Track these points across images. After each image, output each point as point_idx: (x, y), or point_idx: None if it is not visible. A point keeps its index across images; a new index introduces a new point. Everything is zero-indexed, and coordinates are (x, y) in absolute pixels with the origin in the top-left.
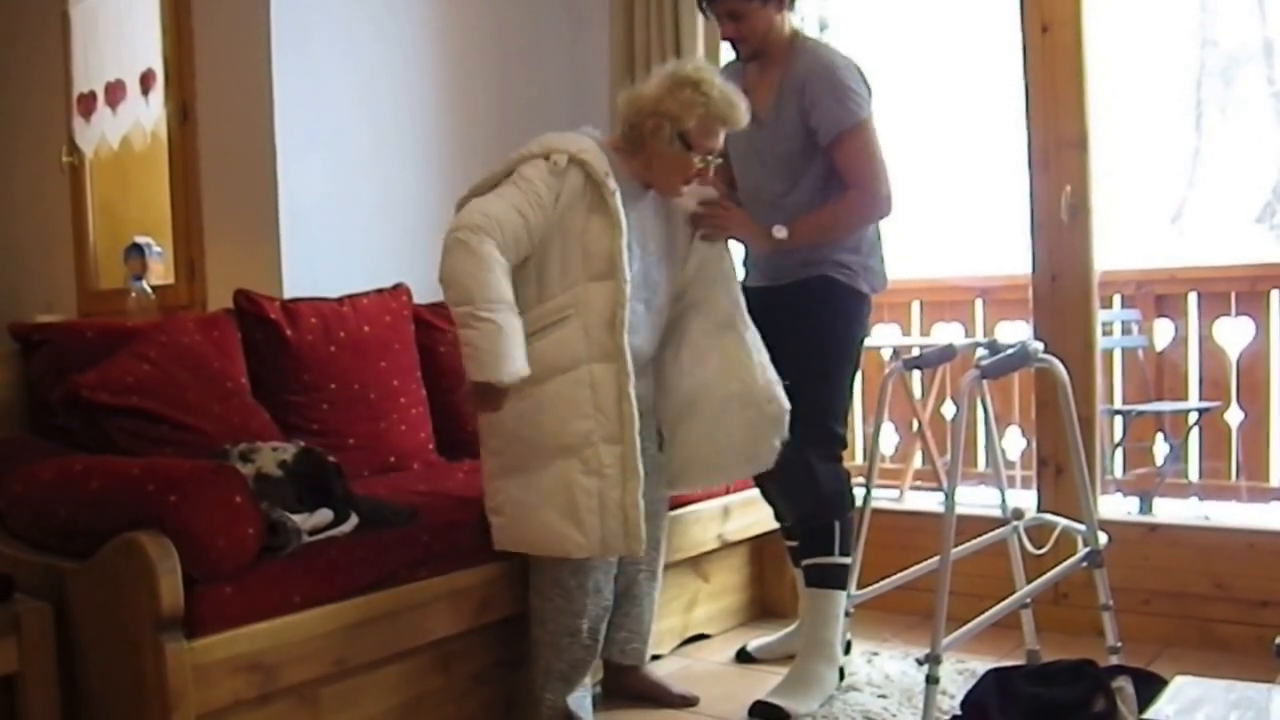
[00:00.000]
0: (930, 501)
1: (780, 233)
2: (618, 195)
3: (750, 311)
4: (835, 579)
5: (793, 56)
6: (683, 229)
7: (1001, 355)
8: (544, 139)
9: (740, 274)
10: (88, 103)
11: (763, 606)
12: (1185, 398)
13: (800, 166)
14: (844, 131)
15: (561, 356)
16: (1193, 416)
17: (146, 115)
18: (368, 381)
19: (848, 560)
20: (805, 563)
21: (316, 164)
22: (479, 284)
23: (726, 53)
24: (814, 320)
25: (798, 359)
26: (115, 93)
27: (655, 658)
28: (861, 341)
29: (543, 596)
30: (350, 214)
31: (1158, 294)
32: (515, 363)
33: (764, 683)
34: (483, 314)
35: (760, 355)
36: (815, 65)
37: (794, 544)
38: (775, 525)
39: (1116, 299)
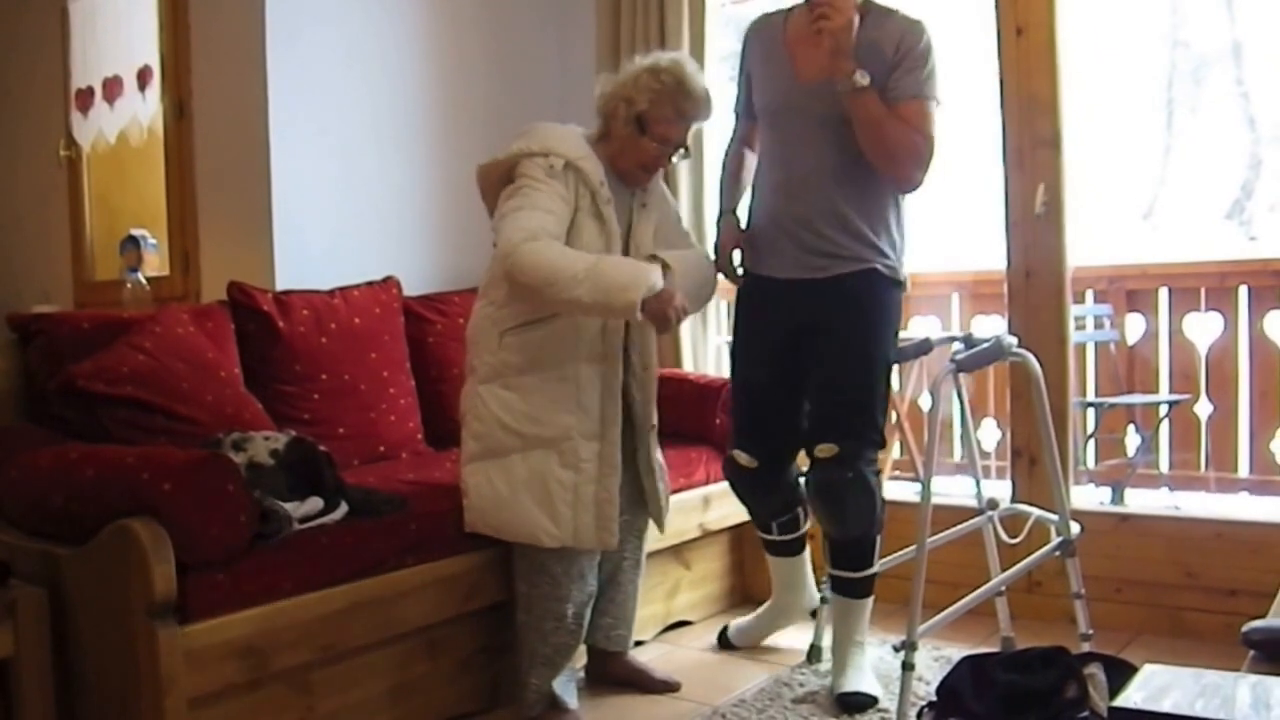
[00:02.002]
0: (908, 491)
1: (864, 79)
2: (611, 205)
3: (785, 307)
4: (870, 589)
5: (868, 17)
6: (669, 224)
7: (977, 349)
8: (542, 135)
9: (750, 262)
10: (85, 98)
11: (743, 594)
12: (1156, 391)
13: (848, 133)
14: (922, 97)
15: (551, 352)
16: (1163, 409)
17: (143, 110)
18: (358, 372)
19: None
20: (841, 574)
21: (309, 159)
22: (558, 258)
23: (712, 43)
24: (861, 322)
25: (845, 365)
26: (113, 88)
27: (638, 644)
28: (898, 335)
29: (529, 583)
30: (342, 208)
31: (1129, 289)
32: (646, 270)
33: (745, 669)
34: (583, 267)
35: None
36: (917, 33)
37: (771, 538)
38: None
39: (1089, 294)
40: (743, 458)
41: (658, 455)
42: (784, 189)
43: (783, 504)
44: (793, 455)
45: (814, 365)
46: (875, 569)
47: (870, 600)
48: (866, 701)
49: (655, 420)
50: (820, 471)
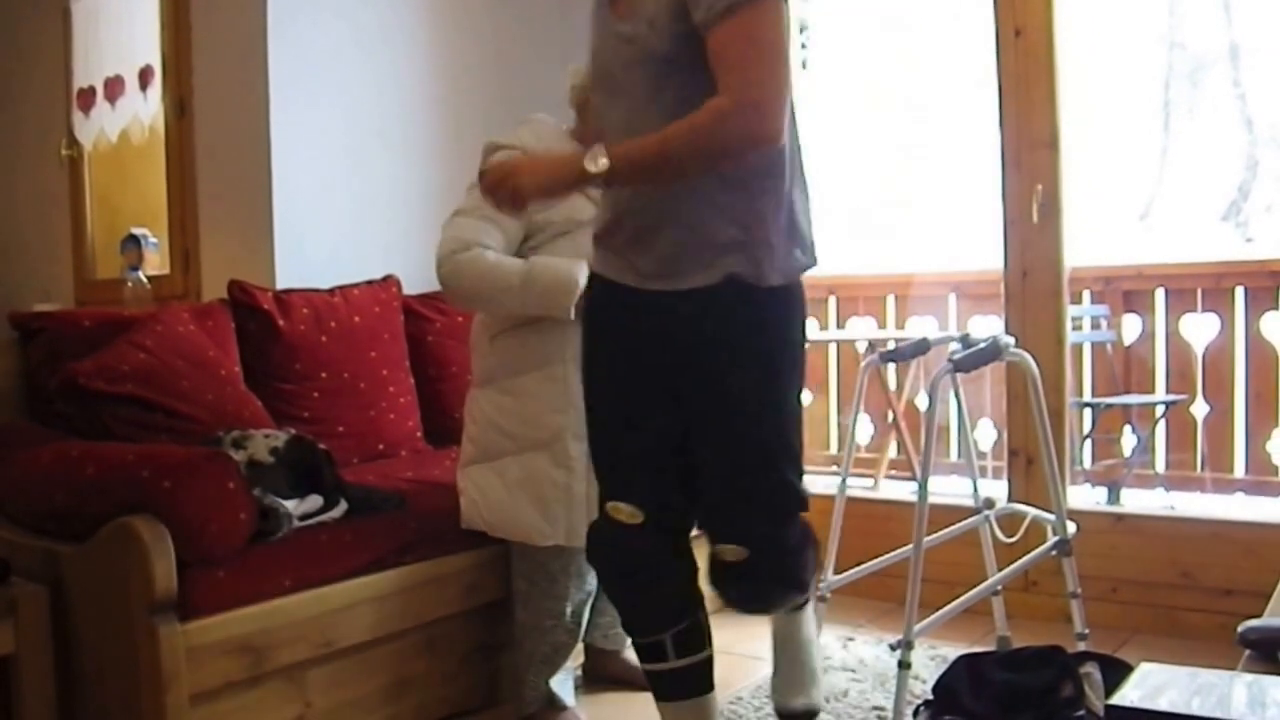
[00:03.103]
0: (904, 490)
1: (596, 163)
2: None
3: (637, 321)
4: (807, 601)
5: None
6: None
7: (974, 349)
8: (523, 130)
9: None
10: (87, 97)
11: None
12: (1152, 391)
13: (654, 80)
14: (730, 11)
15: (539, 352)
16: (1159, 409)
17: (144, 110)
18: (358, 371)
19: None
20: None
21: (310, 158)
22: (490, 271)
23: None
24: (738, 365)
25: (732, 437)
26: (114, 88)
27: None
28: (799, 348)
29: (528, 581)
30: (342, 207)
31: (1126, 290)
32: (573, 274)
33: (742, 667)
34: (516, 279)
35: None
36: None
37: (662, 666)
38: None
39: (1086, 295)
40: (622, 510)
41: None
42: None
43: (679, 599)
44: (685, 522)
45: (690, 420)
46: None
47: (810, 608)
48: (811, 714)
49: None
50: (729, 577)
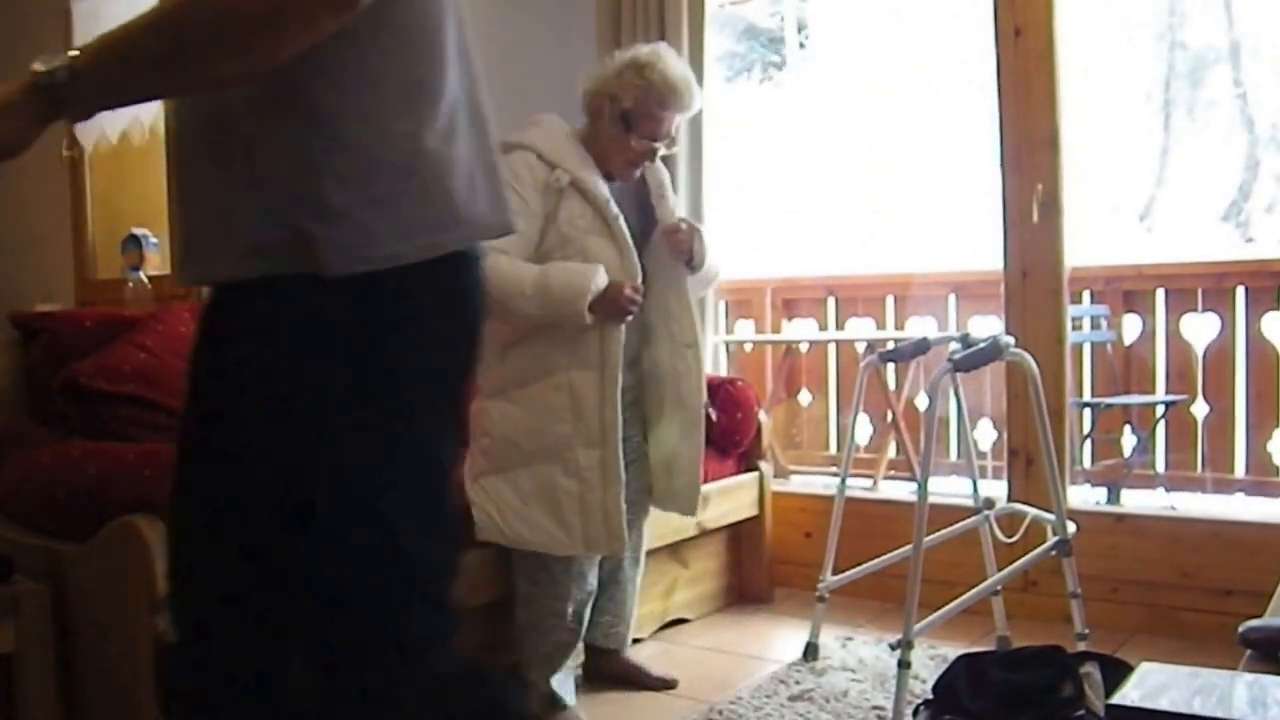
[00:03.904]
0: (904, 491)
1: (48, 61)
2: (621, 220)
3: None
4: None
5: None
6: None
7: (974, 349)
8: (535, 134)
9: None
10: None
11: (740, 592)
12: (1152, 391)
13: None
14: None
15: (543, 361)
16: (1160, 409)
17: (145, 110)
18: None
19: None
20: None
21: None
22: (504, 276)
23: (712, 43)
24: (204, 396)
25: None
26: None
27: (636, 641)
28: (411, 398)
29: (529, 581)
30: None
31: (1126, 290)
32: (585, 280)
33: (742, 667)
34: (530, 284)
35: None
36: None
37: None
38: (754, 512)
39: (1086, 295)
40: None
41: (697, 437)
42: None
43: None
44: None
45: None
46: None
47: None
48: None
49: (704, 397)
50: None
